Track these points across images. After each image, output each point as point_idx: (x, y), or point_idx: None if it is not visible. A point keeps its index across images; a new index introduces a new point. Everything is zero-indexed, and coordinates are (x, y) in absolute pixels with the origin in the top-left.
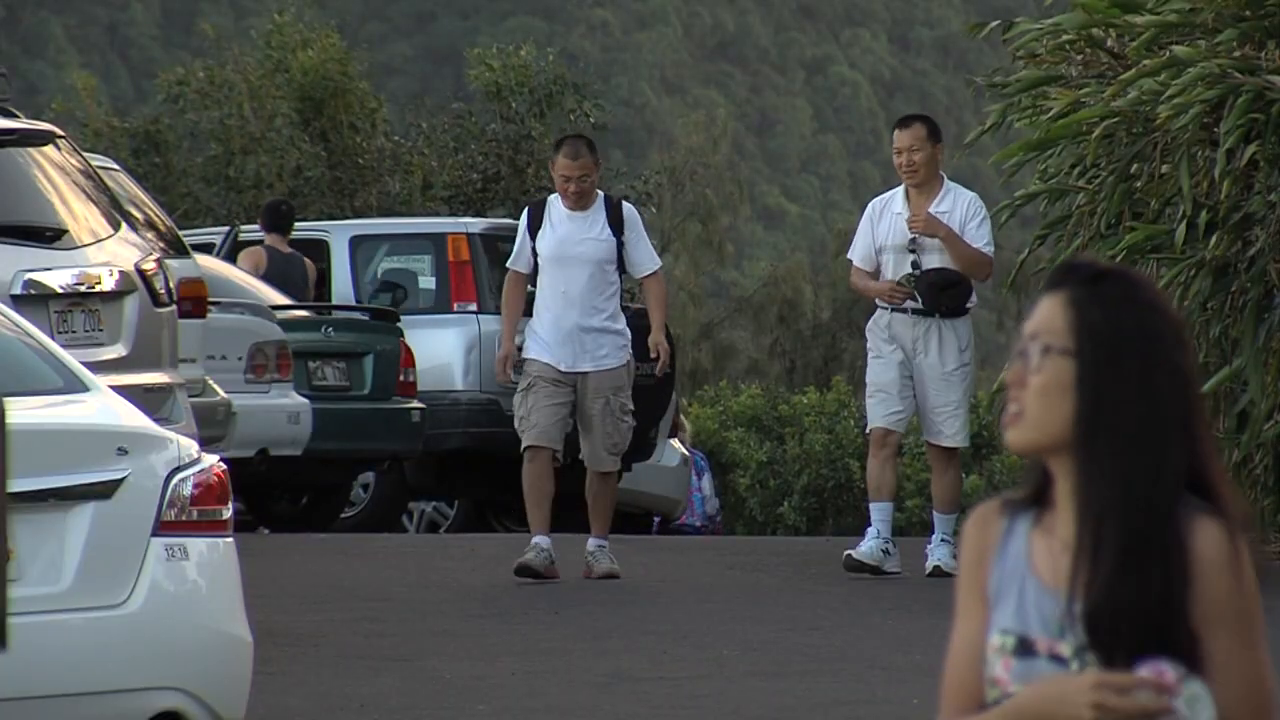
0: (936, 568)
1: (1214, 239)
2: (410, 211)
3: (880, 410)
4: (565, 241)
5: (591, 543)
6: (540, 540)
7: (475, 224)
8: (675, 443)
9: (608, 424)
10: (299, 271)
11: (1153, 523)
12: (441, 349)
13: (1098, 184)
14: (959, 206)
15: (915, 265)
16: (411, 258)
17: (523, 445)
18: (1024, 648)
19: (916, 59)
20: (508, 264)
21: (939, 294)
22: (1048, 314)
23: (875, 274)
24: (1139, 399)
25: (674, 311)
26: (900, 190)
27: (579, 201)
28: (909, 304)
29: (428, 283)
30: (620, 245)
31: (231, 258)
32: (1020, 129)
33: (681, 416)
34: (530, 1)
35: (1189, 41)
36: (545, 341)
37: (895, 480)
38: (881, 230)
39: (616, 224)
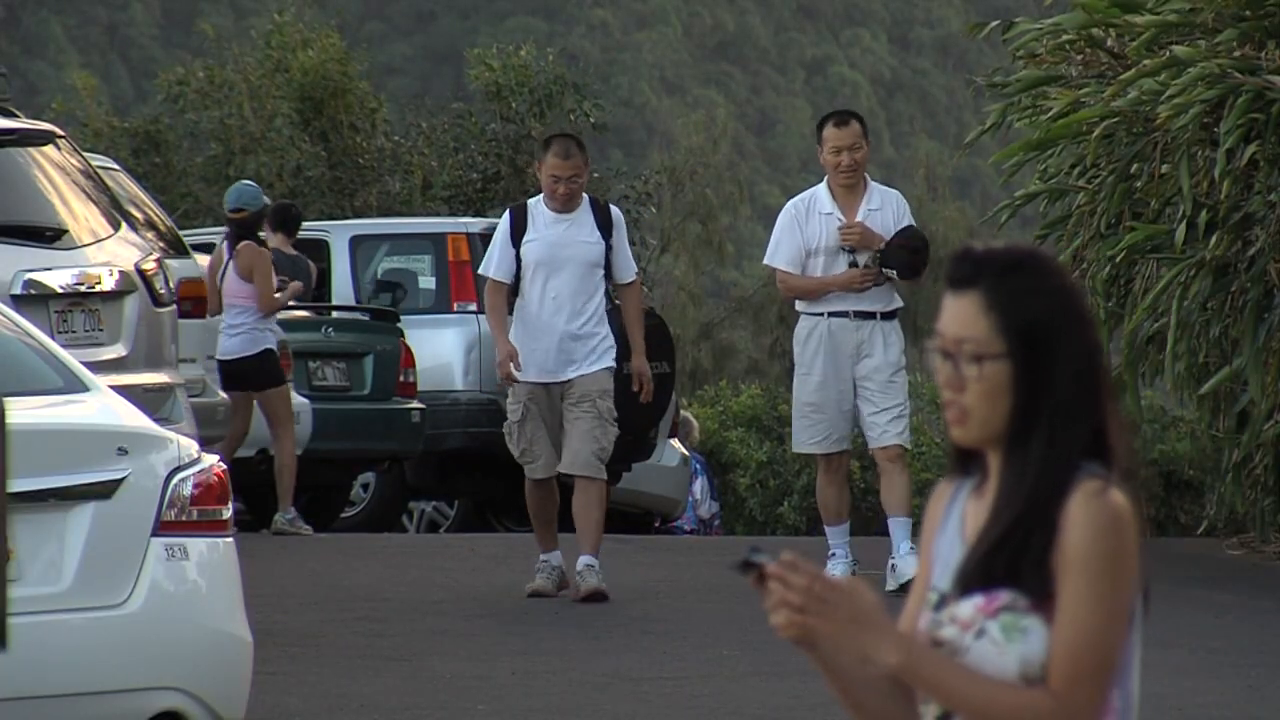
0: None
1: (1214, 239)
2: (410, 211)
3: (823, 432)
4: (555, 245)
5: (581, 561)
6: (550, 558)
7: (475, 224)
8: (675, 443)
9: (595, 429)
10: (304, 273)
11: (1051, 486)
12: (441, 349)
13: (1098, 184)
14: (889, 205)
15: (853, 266)
16: (411, 258)
17: (532, 475)
18: (941, 603)
19: (916, 59)
20: (483, 271)
21: (912, 256)
22: (966, 318)
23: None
24: (1064, 386)
25: (674, 311)
26: (822, 189)
27: (568, 203)
28: (849, 307)
29: (428, 283)
30: (609, 249)
31: None
32: (1020, 129)
33: (691, 418)
34: (530, 1)
35: (1189, 41)
36: (530, 351)
37: (849, 499)
38: (811, 232)
39: (605, 226)
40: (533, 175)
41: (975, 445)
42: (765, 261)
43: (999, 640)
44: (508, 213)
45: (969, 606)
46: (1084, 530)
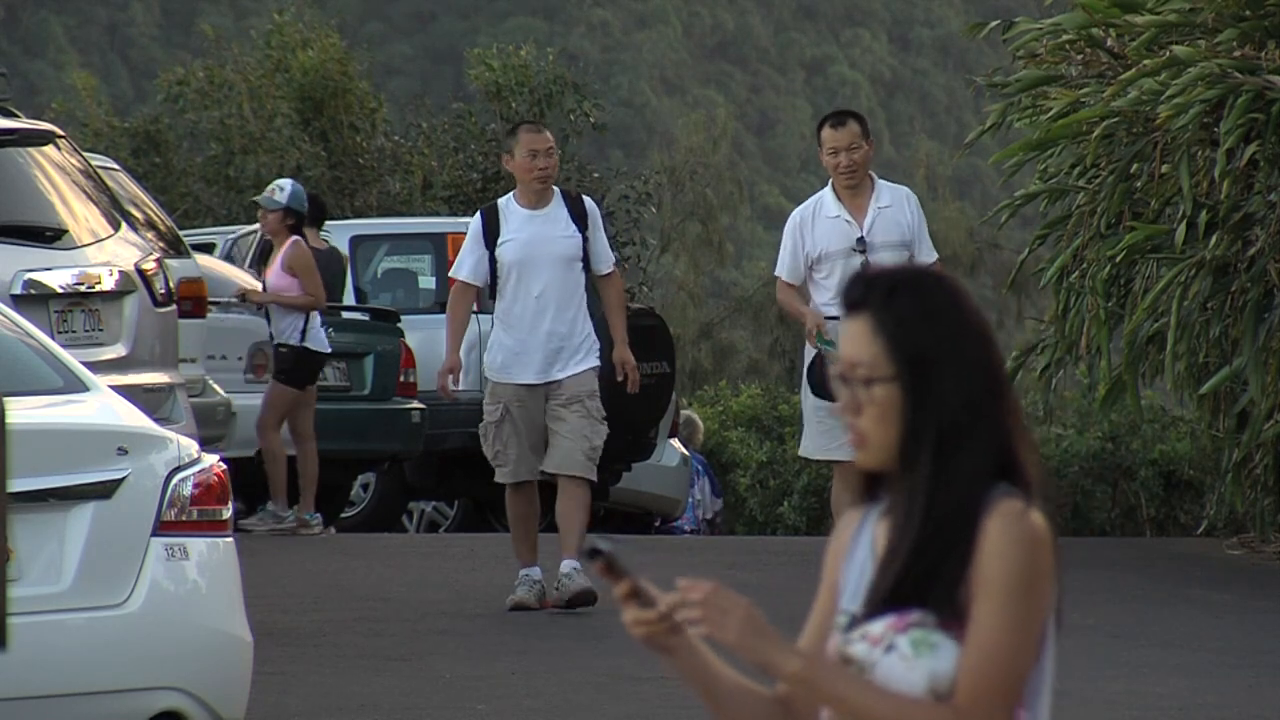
0: None
1: (1214, 239)
2: (410, 211)
3: (832, 441)
4: (532, 243)
5: (565, 565)
6: (530, 572)
7: None
8: (675, 443)
9: (585, 428)
10: (337, 266)
11: (957, 510)
12: (441, 349)
13: (1098, 184)
14: (899, 202)
15: (866, 267)
16: (411, 258)
17: (501, 479)
18: (851, 624)
19: (916, 59)
20: (454, 273)
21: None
22: (858, 342)
23: (804, 288)
24: (954, 408)
25: (674, 311)
26: (827, 193)
27: (544, 186)
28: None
29: (428, 283)
30: (585, 241)
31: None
32: (1020, 129)
33: (696, 419)
34: (530, 1)
35: (1189, 41)
36: (514, 353)
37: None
38: (819, 237)
39: (580, 218)
40: None
41: (877, 468)
42: (775, 273)
43: (908, 655)
44: (479, 214)
45: (880, 624)
46: (1001, 550)
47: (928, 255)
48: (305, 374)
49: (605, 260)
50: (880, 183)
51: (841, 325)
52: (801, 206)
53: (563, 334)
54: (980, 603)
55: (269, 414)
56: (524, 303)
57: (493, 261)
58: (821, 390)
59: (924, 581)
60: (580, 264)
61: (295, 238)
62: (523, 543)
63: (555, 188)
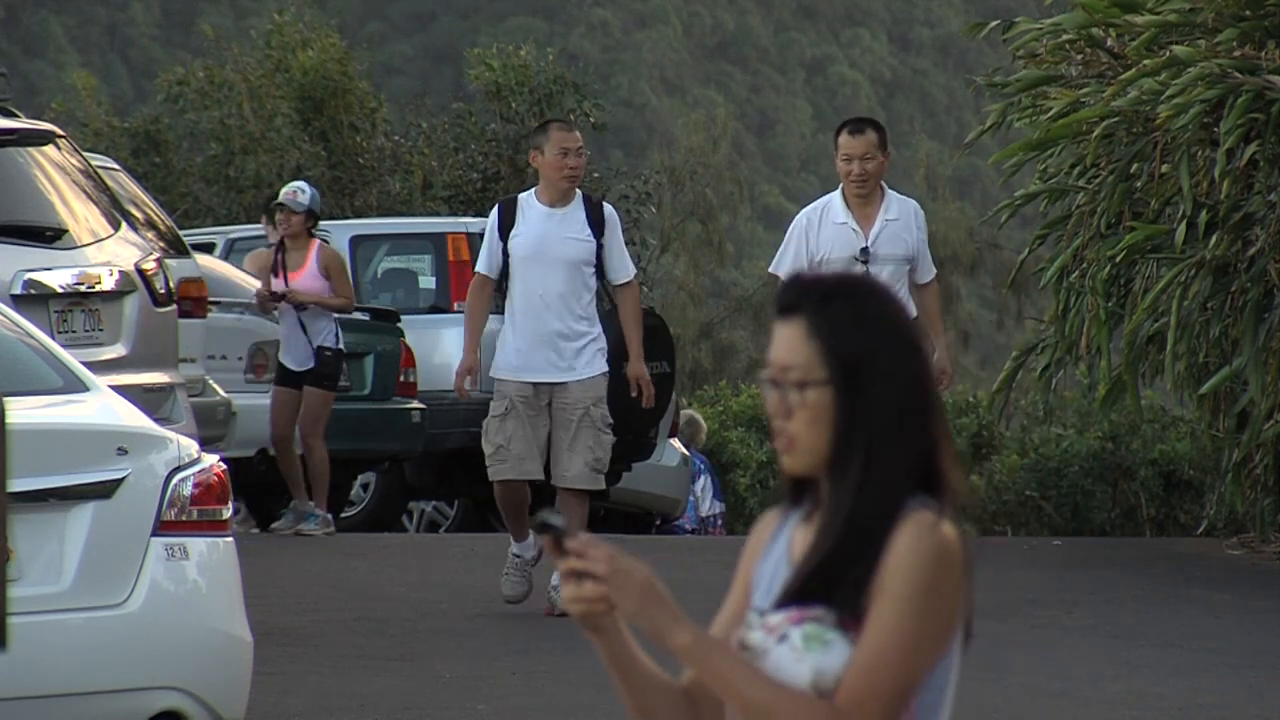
0: None
1: (1214, 239)
2: (410, 211)
3: None
4: (544, 240)
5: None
6: (522, 550)
7: (475, 224)
8: (675, 443)
9: (589, 438)
10: None
11: (877, 516)
12: (441, 349)
13: (1098, 184)
14: (906, 216)
15: (801, 273)
16: (411, 258)
17: (497, 476)
18: (757, 616)
19: (916, 59)
20: (477, 267)
21: None
22: (791, 345)
23: None
24: (883, 414)
25: (674, 311)
26: (836, 198)
27: (571, 185)
28: None
29: (428, 283)
30: (599, 247)
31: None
32: (1020, 129)
33: (699, 418)
34: (530, 1)
35: (1189, 41)
36: (519, 350)
37: None
38: (824, 241)
39: (597, 224)
40: (532, 175)
41: (804, 473)
42: (770, 269)
43: (798, 647)
44: (497, 206)
45: (780, 615)
46: (905, 558)
47: (927, 274)
48: (338, 376)
49: (623, 270)
50: (890, 194)
51: (775, 330)
52: (809, 208)
53: (566, 335)
54: (879, 607)
55: (319, 422)
56: (529, 300)
57: (506, 255)
58: None
59: (831, 581)
60: (591, 269)
61: (320, 240)
62: (515, 521)
63: (578, 190)
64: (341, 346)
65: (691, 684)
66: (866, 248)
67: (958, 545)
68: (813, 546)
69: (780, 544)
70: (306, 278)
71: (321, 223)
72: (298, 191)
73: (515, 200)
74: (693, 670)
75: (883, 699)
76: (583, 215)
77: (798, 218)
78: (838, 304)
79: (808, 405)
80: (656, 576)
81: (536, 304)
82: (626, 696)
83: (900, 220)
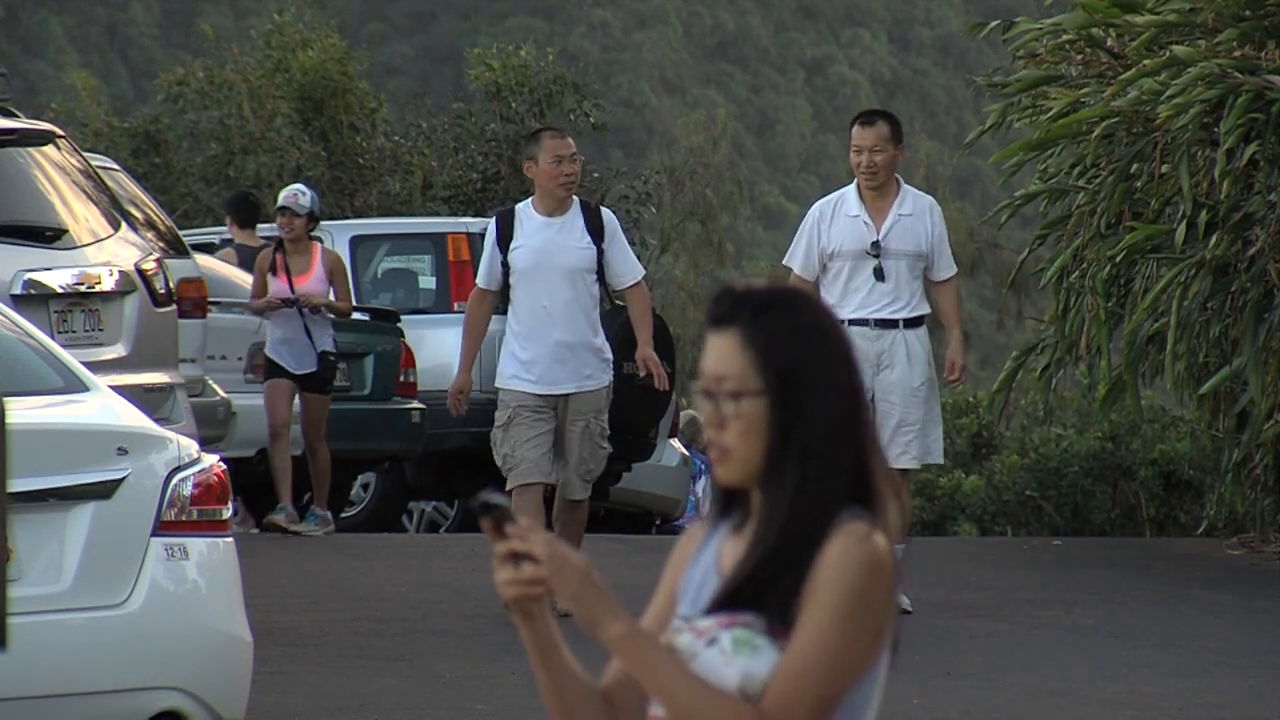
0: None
1: (1214, 239)
2: (410, 211)
3: None
4: (544, 251)
5: None
6: None
7: (475, 224)
8: (675, 443)
9: (585, 449)
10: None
11: (810, 525)
12: (441, 349)
13: (1098, 184)
14: (925, 216)
15: (878, 272)
16: (411, 258)
17: (509, 485)
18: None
19: (916, 59)
20: (477, 281)
21: None
22: (726, 356)
23: (816, 283)
24: (818, 426)
25: (674, 311)
26: (851, 191)
27: (568, 193)
28: (870, 315)
29: (428, 283)
30: (600, 254)
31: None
32: (1020, 129)
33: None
34: (530, 1)
35: (1189, 41)
36: (523, 362)
37: None
38: (836, 234)
39: (596, 231)
40: None
41: (738, 483)
42: (784, 262)
43: (727, 650)
44: (495, 218)
45: (710, 620)
46: (837, 567)
47: (945, 270)
48: (334, 379)
49: (627, 273)
50: (906, 189)
51: (708, 341)
52: (823, 200)
53: (571, 344)
54: (808, 614)
55: (323, 425)
56: (533, 311)
57: (506, 267)
58: None
59: (762, 588)
60: (593, 276)
61: (320, 243)
62: None
63: (575, 197)
64: (338, 348)
65: (610, 686)
66: (877, 241)
67: (889, 556)
68: (745, 555)
69: (708, 554)
70: (314, 281)
71: (322, 223)
72: (299, 194)
73: (513, 212)
74: (623, 662)
75: (809, 705)
76: (581, 223)
77: (811, 210)
78: (772, 315)
79: (742, 416)
80: (595, 569)
81: (540, 315)
82: (548, 690)
83: (914, 215)
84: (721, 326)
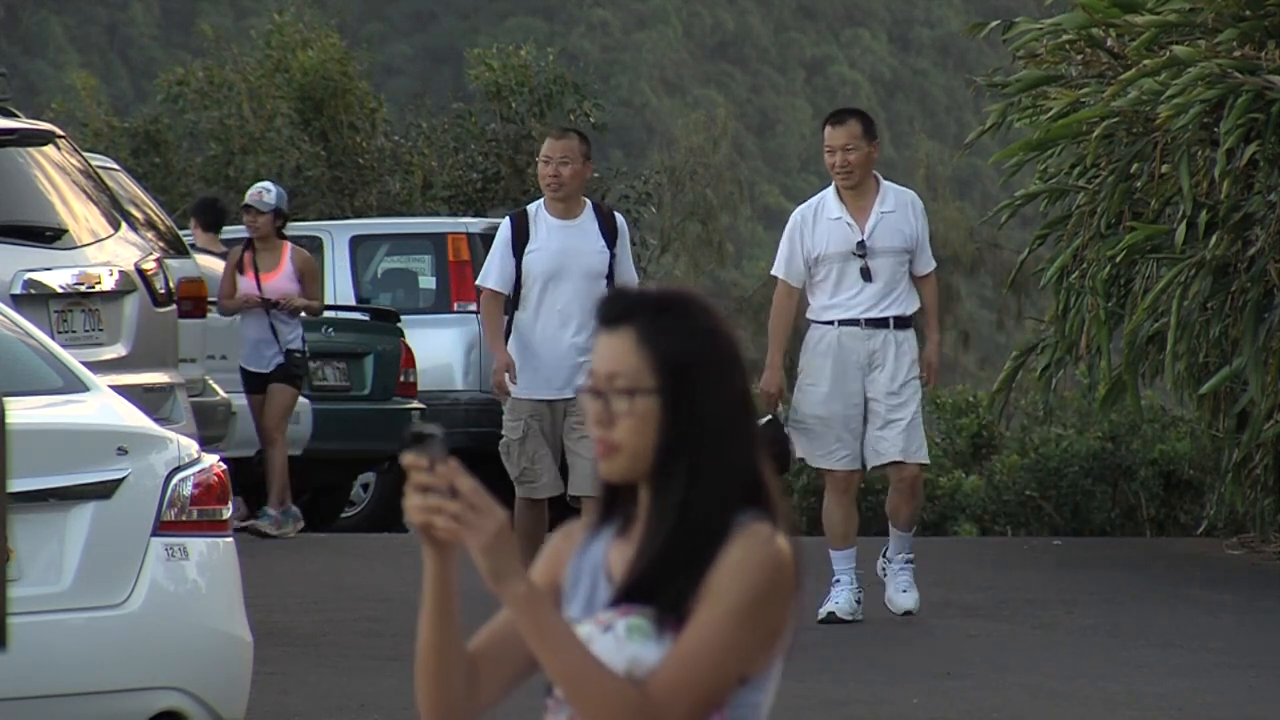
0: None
1: (1214, 239)
2: (410, 211)
3: (829, 446)
4: (562, 254)
5: None
6: None
7: (475, 224)
8: None
9: (590, 450)
10: None
11: (706, 525)
12: (441, 349)
13: (1098, 184)
14: (903, 208)
15: (865, 272)
16: (411, 258)
17: (528, 495)
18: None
19: (916, 59)
20: (481, 281)
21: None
22: (621, 353)
23: (801, 291)
24: (711, 425)
25: None
26: (830, 193)
27: (554, 195)
28: (860, 315)
29: (428, 283)
30: (612, 257)
31: None
32: (1020, 129)
33: None
34: (530, 1)
35: (1189, 41)
36: (535, 369)
37: (858, 521)
38: (819, 238)
39: (610, 234)
40: (533, 175)
41: (623, 479)
42: (773, 272)
43: (621, 636)
44: (508, 220)
45: (609, 612)
46: (737, 566)
47: (926, 265)
48: (304, 377)
49: (628, 277)
50: (885, 185)
51: (600, 341)
52: (803, 206)
53: (584, 348)
54: (704, 608)
55: (286, 418)
56: (548, 315)
57: (518, 270)
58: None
59: (658, 583)
60: (604, 281)
61: (290, 242)
62: (528, 541)
63: (586, 199)
64: (307, 349)
65: (478, 652)
66: (862, 241)
67: (790, 560)
68: (639, 552)
69: (592, 557)
70: (282, 279)
71: (321, 223)
72: (263, 192)
73: (525, 213)
74: (519, 622)
75: (693, 696)
76: (596, 227)
77: (792, 216)
78: (669, 316)
79: (635, 413)
80: (509, 527)
81: (555, 319)
82: (431, 633)
83: (897, 212)
84: (614, 326)
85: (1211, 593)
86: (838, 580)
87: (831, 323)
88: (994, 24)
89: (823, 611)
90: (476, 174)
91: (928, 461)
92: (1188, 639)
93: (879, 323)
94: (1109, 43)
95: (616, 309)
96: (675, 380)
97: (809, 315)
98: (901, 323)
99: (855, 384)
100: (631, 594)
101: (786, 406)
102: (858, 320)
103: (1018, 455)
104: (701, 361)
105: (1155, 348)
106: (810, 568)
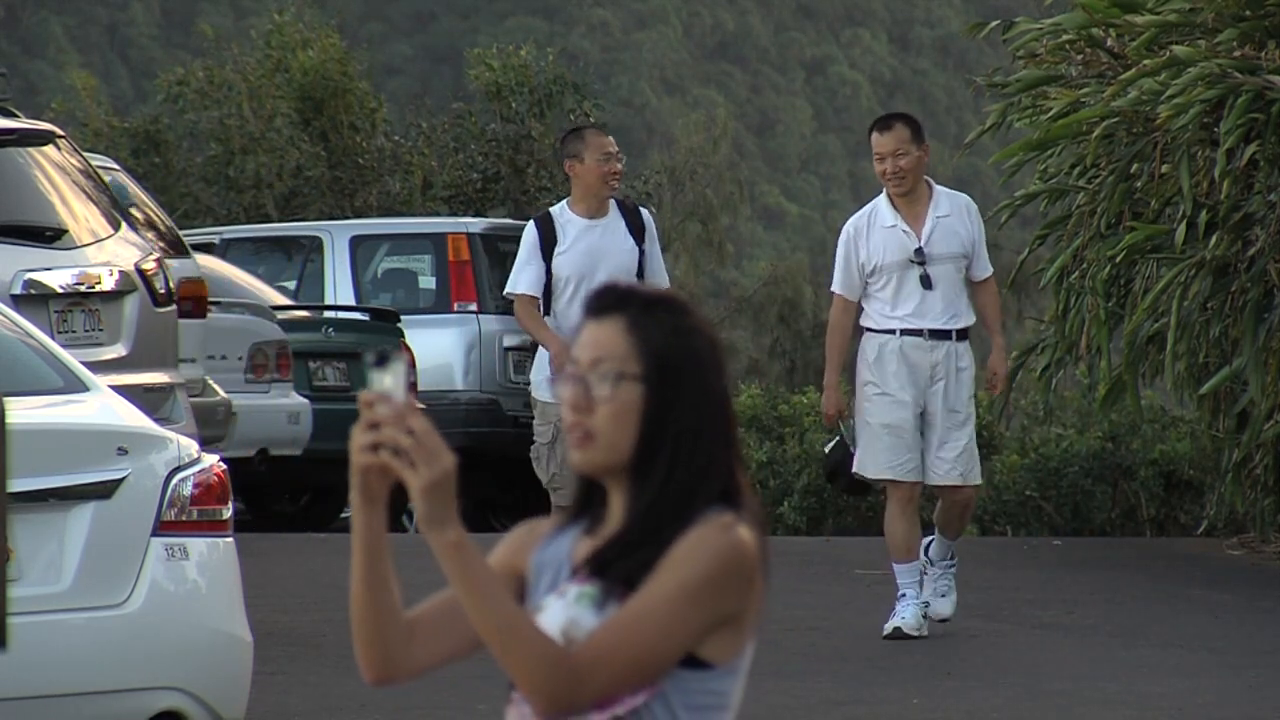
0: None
1: (1214, 239)
2: (410, 211)
3: (900, 456)
4: (591, 254)
5: None
6: None
7: (475, 224)
8: None
9: None
10: None
11: (675, 516)
12: (441, 349)
13: (1098, 184)
14: (963, 215)
15: (924, 280)
16: (411, 258)
17: (561, 502)
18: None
19: (916, 59)
20: (511, 288)
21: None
22: (606, 340)
23: (858, 306)
24: (691, 420)
25: None
26: (882, 201)
27: (612, 194)
28: (924, 325)
29: (428, 283)
30: (641, 254)
31: None
32: (1020, 129)
33: None
34: (530, 1)
35: (1189, 41)
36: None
37: (920, 533)
38: (874, 248)
39: (638, 231)
40: (533, 175)
41: (598, 471)
42: (831, 288)
43: (569, 601)
44: (533, 224)
45: (569, 583)
46: (694, 548)
47: (984, 270)
48: None
49: (659, 277)
50: (939, 190)
51: (585, 329)
52: (855, 216)
53: None
54: (650, 582)
55: None
56: (578, 317)
57: (548, 273)
58: (832, 476)
59: (615, 559)
60: (637, 278)
61: None
62: None
63: (611, 198)
64: None
65: (417, 619)
66: (920, 248)
67: (752, 550)
68: (610, 536)
69: (559, 550)
70: None
71: (321, 223)
72: None
73: (550, 216)
74: (449, 572)
75: (618, 661)
76: (623, 225)
77: (845, 228)
78: (658, 310)
79: (617, 399)
80: (454, 476)
81: None
82: (362, 590)
83: (952, 216)
84: (603, 315)
85: (1211, 593)
86: (903, 595)
87: (894, 331)
88: (994, 24)
89: (888, 627)
90: (476, 174)
91: (981, 483)
92: (1188, 639)
93: (942, 334)
94: (1109, 43)
95: (606, 301)
96: (660, 372)
97: (864, 324)
98: (963, 335)
99: (921, 395)
100: (590, 568)
101: (844, 425)
102: (921, 330)
103: (1018, 455)
104: (687, 358)
105: (1155, 348)
106: (808, 564)
